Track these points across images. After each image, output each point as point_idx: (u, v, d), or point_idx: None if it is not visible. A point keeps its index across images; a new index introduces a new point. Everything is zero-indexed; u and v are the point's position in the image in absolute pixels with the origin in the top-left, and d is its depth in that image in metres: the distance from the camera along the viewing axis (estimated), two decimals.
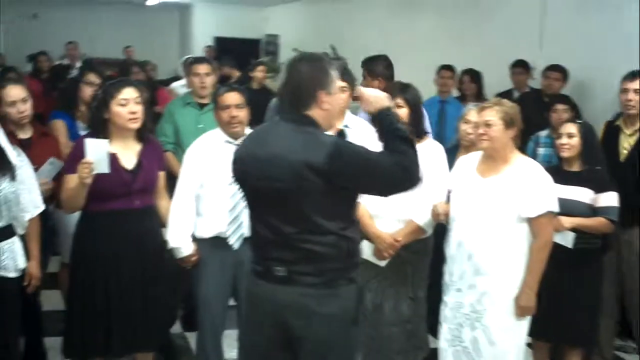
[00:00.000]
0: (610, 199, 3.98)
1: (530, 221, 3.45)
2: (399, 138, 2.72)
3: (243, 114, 3.90)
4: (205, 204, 3.88)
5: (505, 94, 6.34)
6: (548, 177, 3.53)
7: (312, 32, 12.82)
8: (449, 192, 3.71)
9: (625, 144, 4.60)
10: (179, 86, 7.73)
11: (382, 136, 2.76)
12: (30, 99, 4.11)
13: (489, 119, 3.50)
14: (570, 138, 4.07)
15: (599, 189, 4.00)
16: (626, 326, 4.90)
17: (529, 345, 3.86)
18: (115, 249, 3.59)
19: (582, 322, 4.08)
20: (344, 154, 2.64)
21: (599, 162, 4.10)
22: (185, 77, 6.66)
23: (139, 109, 3.60)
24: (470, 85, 7.04)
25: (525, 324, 3.56)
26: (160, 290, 3.73)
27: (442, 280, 3.72)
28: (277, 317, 2.79)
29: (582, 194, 3.99)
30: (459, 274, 3.58)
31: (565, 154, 4.09)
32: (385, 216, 3.68)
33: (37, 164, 3.83)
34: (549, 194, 3.49)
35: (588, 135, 4.10)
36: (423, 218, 3.76)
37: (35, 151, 3.92)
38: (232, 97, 3.90)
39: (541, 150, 5.24)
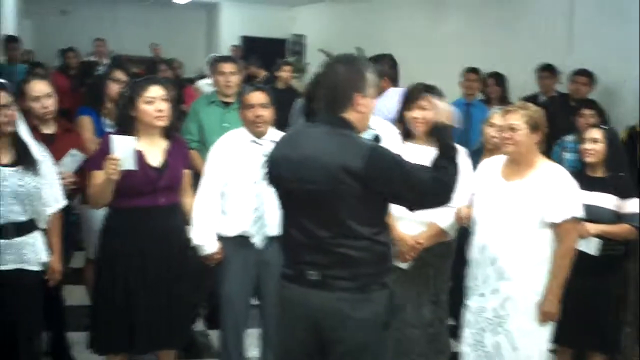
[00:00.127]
0: (634, 205, 3.95)
1: (555, 226, 3.44)
2: (446, 155, 2.78)
3: (268, 113, 3.92)
4: (229, 203, 3.90)
5: (532, 98, 6.31)
6: (573, 182, 3.51)
7: (338, 32, 12.83)
8: (473, 195, 3.70)
9: None
10: (205, 84, 7.77)
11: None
12: (54, 95, 4.14)
13: (513, 122, 3.49)
14: (594, 143, 4.05)
15: (623, 195, 3.97)
16: None
17: (552, 351, 3.83)
18: (140, 245, 3.61)
19: (606, 328, 4.06)
20: (381, 159, 2.64)
21: (623, 168, 4.07)
22: (210, 76, 6.69)
23: (165, 106, 3.62)
24: (494, 89, 7.01)
25: (548, 329, 3.54)
26: (184, 288, 3.74)
27: (464, 284, 3.71)
28: (310, 321, 2.78)
29: (606, 200, 3.96)
30: (482, 278, 3.57)
31: (589, 159, 4.06)
32: (408, 218, 3.68)
33: (59, 159, 3.86)
34: (574, 199, 3.47)
35: (613, 141, 4.07)
36: (446, 221, 3.74)
37: (58, 146, 3.96)
38: (258, 97, 3.91)
39: (567, 155, 5.21)
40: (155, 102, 3.59)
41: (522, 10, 7.87)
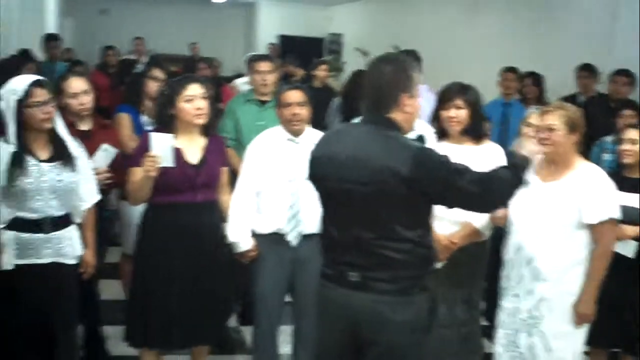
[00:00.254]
0: None
1: (592, 228, 3.40)
2: (511, 169, 2.75)
3: (305, 112, 3.93)
4: (265, 201, 3.92)
5: (571, 98, 6.24)
6: (611, 184, 3.47)
7: (375, 31, 12.83)
8: None
9: None
10: (242, 83, 7.81)
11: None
12: (91, 92, 4.19)
13: (551, 123, 3.45)
14: (632, 144, 4.00)
15: None
16: None
17: (585, 352, 3.80)
18: (177, 242, 3.64)
19: None
20: (428, 161, 2.60)
21: None
22: (247, 74, 6.73)
23: (204, 104, 3.65)
24: (532, 88, 6.94)
25: (583, 331, 3.50)
26: (220, 285, 3.78)
27: (498, 285, 3.69)
28: (349, 322, 2.76)
29: None
30: (516, 279, 3.55)
31: (627, 160, 4.02)
32: (443, 218, 3.67)
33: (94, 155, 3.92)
34: (611, 200, 3.43)
35: None
36: (481, 221, 3.73)
37: (94, 143, 4.00)
38: (295, 95, 3.93)
39: (606, 156, 5.14)
40: (194, 100, 3.62)
41: (562, 9, 7.79)
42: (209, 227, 3.75)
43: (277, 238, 3.90)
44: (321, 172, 2.80)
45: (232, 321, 4.99)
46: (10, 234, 3.37)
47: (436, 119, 3.88)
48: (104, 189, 3.95)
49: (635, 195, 3.89)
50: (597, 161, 4.81)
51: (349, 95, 7.29)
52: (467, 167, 2.66)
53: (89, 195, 3.67)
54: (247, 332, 4.79)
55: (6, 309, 3.42)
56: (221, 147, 3.90)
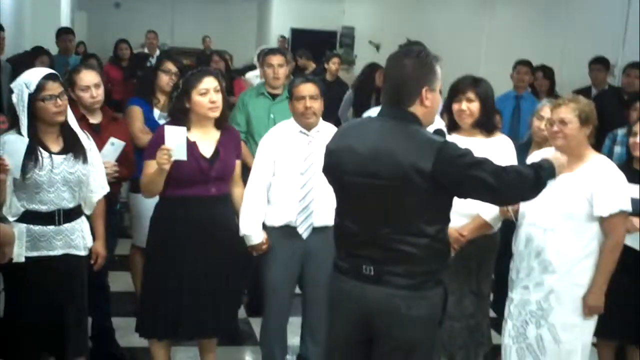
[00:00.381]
0: None
1: (602, 220, 3.40)
2: (534, 168, 2.75)
3: (317, 105, 3.93)
4: (276, 193, 3.93)
5: (584, 91, 6.21)
6: (622, 176, 3.46)
7: (387, 24, 12.80)
8: None
9: None
10: (253, 76, 7.82)
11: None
12: (102, 85, 4.20)
13: (564, 116, 3.44)
14: None
15: None
16: None
17: (594, 344, 3.80)
18: (190, 234, 3.66)
19: None
20: (450, 156, 2.59)
21: None
22: (259, 68, 6.74)
23: (218, 97, 3.67)
24: (543, 82, 6.94)
25: (591, 323, 3.50)
26: (232, 278, 3.79)
27: (507, 277, 3.69)
28: (363, 314, 2.75)
29: None
30: (526, 271, 3.54)
31: (637, 152, 3.99)
32: (452, 210, 3.67)
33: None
34: (622, 193, 3.41)
35: None
36: (490, 213, 3.72)
37: (104, 136, 4.03)
38: (307, 88, 3.92)
39: (618, 149, 5.12)
40: (208, 93, 3.64)
41: (575, 3, 7.76)
42: (222, 220, 3.77)
43: (288, 231, 3.91)
44: (339, 165, 2.77)
45: (241, 312, 5.00)
46: (21, 227, 3.38)
47: (447, 112, 3.87)
48: (112, 182, 3.95)
49: None
50: (609, 153, 4.80)
51: (361, 89, 7.31)
52: (488, 159, 2.65)
53: (99, 187, 3.69)
54: (255, 324, 4.80)
55: (17, 300, 3.46)
56: (235, 140, 3.91)
